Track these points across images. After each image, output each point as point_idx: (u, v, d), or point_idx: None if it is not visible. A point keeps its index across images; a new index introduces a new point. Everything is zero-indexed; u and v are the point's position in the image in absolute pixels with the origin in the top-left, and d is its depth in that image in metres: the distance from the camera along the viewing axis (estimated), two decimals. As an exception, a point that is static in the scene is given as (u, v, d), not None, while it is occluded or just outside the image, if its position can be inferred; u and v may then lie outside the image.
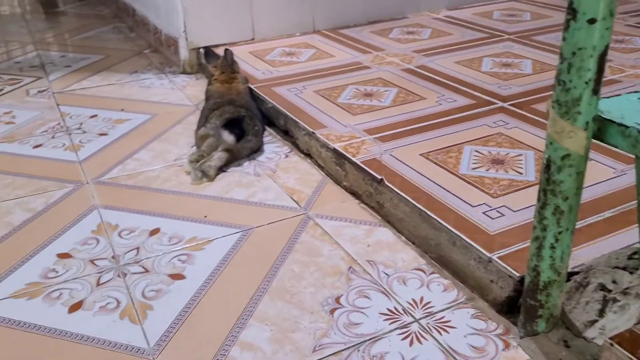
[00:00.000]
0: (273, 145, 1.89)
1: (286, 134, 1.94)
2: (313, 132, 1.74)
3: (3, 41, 3.24)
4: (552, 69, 2.17)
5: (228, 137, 1.73)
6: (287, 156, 1.82)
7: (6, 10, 3.99)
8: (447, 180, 1.45)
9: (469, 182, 1.44)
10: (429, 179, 1.45)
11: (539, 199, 0.95)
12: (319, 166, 1.73)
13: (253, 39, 2.70)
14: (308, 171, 1.72)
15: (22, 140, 1.96)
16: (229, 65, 2.07)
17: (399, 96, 1.99)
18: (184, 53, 2.59)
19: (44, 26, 3.54)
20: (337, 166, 1.63)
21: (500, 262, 1.15)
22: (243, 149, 1.79)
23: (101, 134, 2.00)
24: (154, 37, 2.98)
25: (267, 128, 2.01)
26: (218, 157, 1.71)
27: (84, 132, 2.03)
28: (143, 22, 3.13)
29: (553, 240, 0.95)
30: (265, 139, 1.92)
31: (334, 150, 1.64)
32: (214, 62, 2.11)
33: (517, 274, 1.11)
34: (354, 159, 1.56)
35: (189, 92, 2.39)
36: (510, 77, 2.12)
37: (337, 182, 1.64)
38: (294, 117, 1.85)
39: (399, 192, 1.40)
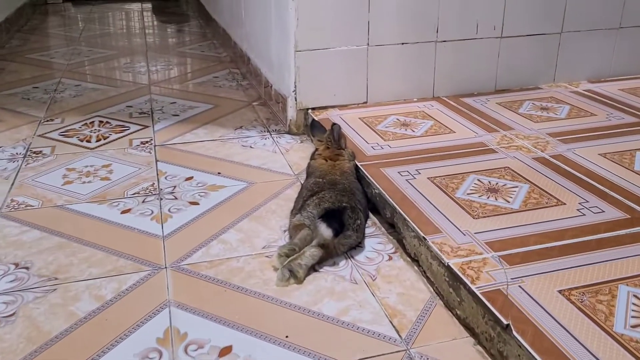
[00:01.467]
0: (375, 241, 1.64)
1: (392, 226, 1.69)
2: (424, 238, 1.47)
3: (121, 80, 3.29)
4: None
5: (325, 232, 1.50)
6: (390, 258, 1.56)
7: (131, 43, 4.12)
8: (600, 340, 1.12)
9: (632, 350, 1.10)
10: (571, 334, 1.13)
11: None
12: (428, 279, 1.46)
13: (366, 102, 2.49)
14: (414, 284, 1.45)
15: (112, 202, 1.87)
16: (336, 140, 1.86)
17: (530, 196, 1.67)
18: (291, 113, 2.43)
19: (163, 65, 3.57)
20: (451, 288, 1.34)
21: None
22: (341, 246, 1.55)
23: (192, 203, 1.86)
24: (264, 89, 2.86)
25: (371, 215, 1.77)
26: (310, 254, 1.49)
27: (176, 198, 1.89)
28: (256, 73, 3.03)
29: None
30: (367, 230, 1.68)
31: (448, 268, 1.36)
32: (320, 136, 1.92)
33: None
34: (472, 287, 1.27)
35: (292, 157, 2.22)
36: (674, 183, 1.74)
37: (449, 307, 1.35)
38: (402, 212, 1.60)
39: (529, 349, 1.09)
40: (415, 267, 1.52)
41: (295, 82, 2.38)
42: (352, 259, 1.56)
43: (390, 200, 1.67)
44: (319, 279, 1.47)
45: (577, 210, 1.59)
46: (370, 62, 2.43)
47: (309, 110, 2.43)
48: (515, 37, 2.57)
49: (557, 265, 1.34)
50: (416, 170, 1.85)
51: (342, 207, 1.57)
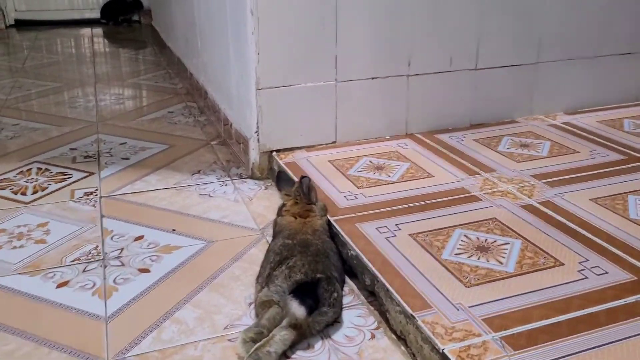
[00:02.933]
0: (354, 313, 1.44)
1: (372, 294, 1.48)
2: (413, 316, 1.27)
3: (65, 118, 3.01)
4: None
5: (298, 310, 1.29)
6: (373, 336, 1.35)
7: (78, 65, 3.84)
8: None
9: None
10: None
11: None
12: (418, 364, 1.26)
13: (335, 142, 2.30)
14: (402, 371, 1.25)
15: (47, 272, 1.61)
16: (306, 195, 1.65)
17: (525, 255, 1.49)
18: (254, 155, 2.22)
19: (113, 99, 3.31)
20: (447, 381, 1.15)
21: None
22: (315, 324, 1.34)
23: (142, 270, 1.62)
24: (224, 127, 2.64)
25: (348, 280, 1.56)
26: (281, 338, 1.27)
27: (123, 264, 1.65)
28: (214, 108, 2.81)
29: None
30: (344, 299, 1.47)
31: (444, 356, 1.16)
32: (287, 189, 1.71)
33: None
34: (475, 384, 1.07)
35: (256, 207, 2.00)
36: (675, 234, 1.59)
37: (446, 403, 1.15)
38: (385, 282, 1.40)
39: None
40: (403, 348, 1.31)
41: (257, 123, 2.17)
42: (329, 339, 1.34)
43: (370, 265, 1.46)
44: (291, 369, 1.26)
45: (579, 272, 1.42)
46: (338, 99, 2.24)
47: (274, 153, 2.22)
48: (490, 69, 2.43)
49: (569, 349, 1.16)
50: (395, 225, 1.65)
51: (316, 280, 1.36)
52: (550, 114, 2.62)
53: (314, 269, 1.38)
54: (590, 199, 1.80)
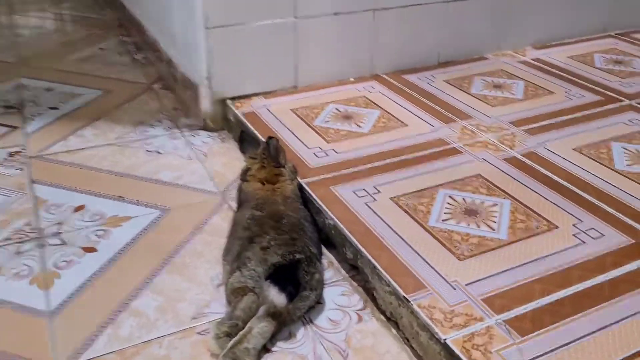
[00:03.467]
0: (337, 291, 1.29)
1: (354, 267, 1.34)
2: (406, 299, 1.14)
3: (-20, 59, 2.62)
4: None
5: (277, 298, 1.13)
6: (360, 319, 1.22)
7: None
8: None
9: None
10: None
11: None
12: (413, 350, 1.14)
13: (296, 87, 2.08)
14: (398, 356, 1.12)
15: (-29, 258, 1.37)
16: (274, 157, 1.46)
17: (516, 218, 1.38)
18: (205, 104, 1.98)
19: (33, 34, 2.91)
20: (451, 373, 1.03)
21: None
22: (297, 310, 1.19)
23: (87, 249, 1.41)
24: (167, 69, 2.35)
25: (325, 251, 1.41)
26: (260, 331, 1.11)
27: (64, 242, 1.43)
28: (154, 46, 2.50)
29: None
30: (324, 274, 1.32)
31: (446, 347, 1.04)
32: (252, 151, 1.50)
33: None
34: (486, 382, 0.96)
35: (213, 164, 1.79)
36: (665, 187, 1.51)
37: (449, 397, 1.04)
38: (370, 257, 1.25)
39: None
40: (394, 331, 1.19)
41: (208, 67, 1.91)
42: (311, 325, 1.20)
43: (352, 237, 1.31)
44: (273, 365, 1.11)
45: (574, 236, 1.32)
46: (298, 38, 2.00)
47: (228, 101, 1.99)
48: (460, 2, 2.23)
49: (576, 331, 1.06)
50: (374, 187, 1.50)
51: (295, 261, 1.20)
52: (519, 49, 2.47)
53: (291, 249, 1.21)
54: (573, 149, 1.69)
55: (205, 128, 2.01)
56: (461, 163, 1.61)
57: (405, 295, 1.14)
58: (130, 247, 1.42)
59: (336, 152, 1.67)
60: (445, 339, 1.04)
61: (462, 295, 1.14)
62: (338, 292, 1.29)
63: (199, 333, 1.17)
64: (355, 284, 1.32)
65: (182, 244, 1.43)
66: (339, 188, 1.49)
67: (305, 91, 2.06)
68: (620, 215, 1.39)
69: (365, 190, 1.48)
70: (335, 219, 1.37)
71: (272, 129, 1.80)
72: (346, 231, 1.33)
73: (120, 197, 1.62)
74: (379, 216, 1.38)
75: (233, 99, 1.99)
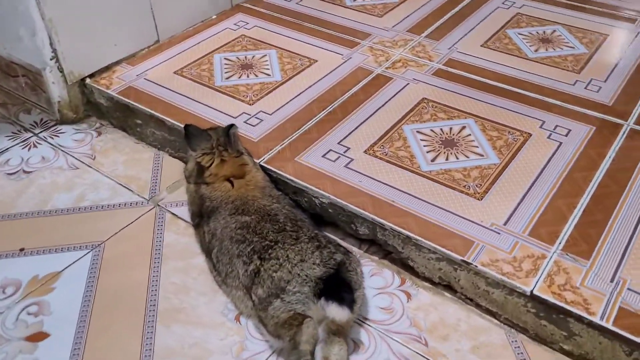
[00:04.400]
0: (365, 273, 1.15)
1: (367, 241, 1.21)
2: (464, 262, 1.05)
3: None
4: None
5: (340, 313, 0.96)
6: (409, 296, 1.11)
7: None
8: None
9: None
10: None
11: None
12: (484, 309, 1.08)
13: (158, 41, 1.71)
14: (472, 322, 1.06)
15: None
16: (233, 145, 1.19)
17: (491, 136, 1.35)
18: (57, 91, 1.53)
19: None
20: (546, 321, 1.00)
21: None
22: (356, 316, 1.03)
23: (34, 337, 1.04)
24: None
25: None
26: (339, 357, 0.95)
27: (-6, 342, 1.03)
28: None
29: None
30: (337, 261, 1.16)
31: (535, 298, 1.00)
32: (204, 146, 1.20)
33: None
34: (598, 321, 0.95)
35: (112, 168, 1.42)
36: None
37: (547, 341, 1.02)
38: (396, 227, 1.12)
39: None
40: (448, 294, 1.11)
41: (52, 44, 1.45)
42: (367, 324, 1.06)
43: (362, 211, 1.16)
44: (366, 388, 0.97)
45: (549, 139, 1.34)
46: (151, -18, 1.61)
47: (87, 80, 1.56)
48: None
49: (624, 236, 1.10)
50: (340, 145, 1.33)
51: (338, 264, 1.02)
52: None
53: (326, 252, 1.02)
54: (481, 46, 1.69)
55: (63, 121, 1.58)
56: (399, 91, 1.51)
57: (463, 259, 1.05)
58: (88, 312, 1.08)
59: (268, 114, 1.43)
60: (532, 291, 1.00)
61: (510, 238, 1.10)
62: (366, 274, 1.15)
63: (262, 391, 0.96)
64: (376, 257, 1.19)
65: (153, 282, 1.13)
66: (304, 158, 1.29)
67: (172, 46, 1.70)
68: (566, 104, 1.45)
69: (334, 152, 1.31)
70: (330, 196, 1.19)
71: (171, 102, 1.47)
72: (352, 207, 1.17)
73: (22, 249, 1.21)
74: (371, 177, 1.23)
75: (92, 76, 1.57)
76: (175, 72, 1.59)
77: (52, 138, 1.53)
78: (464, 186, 1.21)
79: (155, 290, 1.12)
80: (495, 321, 1.06)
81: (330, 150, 1.31)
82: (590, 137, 1.34)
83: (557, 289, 1.00)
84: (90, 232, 1.25)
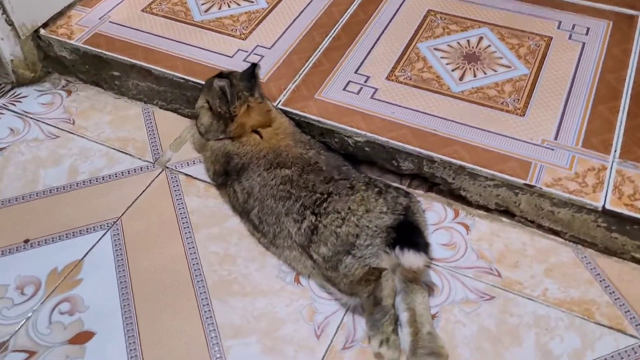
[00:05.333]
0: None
1: (414, 177, 1.13)
2: (528, 185, 1.00)
3: None
4: None
5: (417, 260, 0.89)
6: (467, 228, 1.05)
7: None
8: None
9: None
10: None
11: None
12: (545, 229, 1.04)
13: (112, -24, 1.47)
14: (548, 248, 1.02)
15: None
16: (257, 88, 1.05)
17: (512, 45, 1.26)
18: (9, 48, 1.31)
19: None
20: (617, 233, 0.98)
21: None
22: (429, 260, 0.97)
23: (77, 338, 0.92)
24: None
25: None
26: (424, 307, 0.90)
27: (35, 349, 0.90)
28: None
29: None
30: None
31: (607, 213, 0.97)
32: (204, 96, 1.06)
33: None
34: (677, 227, 0.93)
35: (100, 132, 1.25)
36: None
37: (617, 253, 1.00)
38: (447, 158, 1.04)
39: None
40: (505, 219, 1.07)
41: (-3, -8, 1.22)
42: (433, 264, 1.01)
43: (408, 146, 1.07)
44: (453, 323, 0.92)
45: (570, 39, 1.28)
46: None
47: (42, 31, 1.33)
48: None
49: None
50: (357, 74, 1.21)
51: (405, 208, 0.94)
52: None
53: (390, 198, 0.94)
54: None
55: (20, 83, 1.36)
56: (400, 4, 1.38)
57: (526, 183, 1.00)
58: (129, 299, 0.96)
59: (267, 48, 1.28)
60: (606, 206, 0.96)
61: (566, 153, 1.05)
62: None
63: (343, 348, 0.90)
64: (420, 192, 1.12)
65: (191, 255, 1.02)
66: (324, 94, 1.17)
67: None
68: (578, 0, 1.38)
69: (354, 83, 1.19)
70: (367, 133, 1.09)
71: (151, 47, 1.28)
72: (394, 142, 1.07)
73: (27, 240, 1.05)
74: (403, 107, 1.14)
75: (45, 26, 1.34)
76: (143, 10, 1.39)
77: (14, 105, 1.31)
78: (502, 103, 1.14)
79: (197, 263, 1.01)
80: (560, 240, 1.03)
81: (350, 81, 1.19)
82: (610, 34, 1.29)
83: (627, 200, 0.97)
84: (99, 208, 1.10)
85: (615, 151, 1.05)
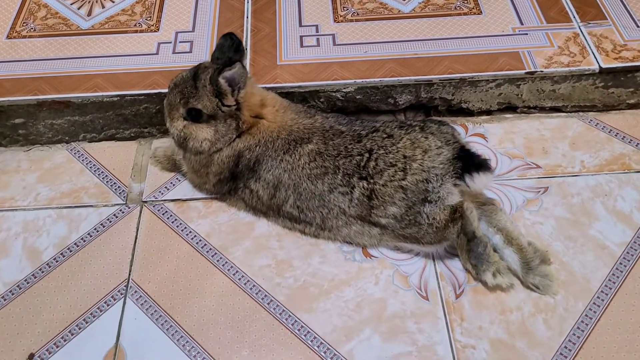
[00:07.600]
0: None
1: (407, 108, 1.07)
2: (530, 73, 1.00)
3: None
4: None
5: (487, 178, 0.85)
6: (484, 137, 1.04)
7: None
8: None
9: None
10: None
11: None
12: (554, 109, 1.07)
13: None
14: (559, 124, 1.04)
15: None
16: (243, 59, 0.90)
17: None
18: None
19: None
20: (613, 88, 1.03)
21: None
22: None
23: None
24: None
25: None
26: (513, 229, 0.87)
27: None
28: None
29: None
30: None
31: (603, 72, 1.01)
32: (176, 112, 0.88)
33: None
34: (665, 62, 1.01)
35: (24, 194, 1.00)
36: None
37: (613, 107, 1.06)
38: (446, 77, 1.00)
39: None
40: (508, 115, 1.07)
41: None
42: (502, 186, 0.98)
43: (404, 78, 1.01)
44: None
45: None
46: None
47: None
48: None
49: (609, -14, 1.15)
50: (306, 27, 1.10)
51: (452, 135, 0.89)
52: None
53: (437, 132, 0.88)
54: None
55: None
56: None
57: (528, 71, 1.00)
58: (201, 357, 0.80)
59: (190, 32, 1.10)
60: (601, 66, 1.00)
61: (539, 33, 1.06)
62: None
63: (457, 297, 0.84)
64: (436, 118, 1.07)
65: (241, 281, 0.87)
66: (286, 58, 1.05)
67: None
68: None
69: (308, 36, 1.08)
70: (356, 80, 1.00)
71: (49, 74, 1.03)
72: (387, 79, 1.00)
73: (32, 355, 0.81)
74: (371, 43, 1.06)
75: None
76: (8, 37, 1.10)
77: None
78: (455, 8, 1.12)
79: (254, 286, 0.86)
80: (564, 113, 1.07)
81: (302, 36, 1.08)
82: None
83: (614, 54, 1.02)
84: (95, 280, 0.88)
85: (574, 17, 1.09)
